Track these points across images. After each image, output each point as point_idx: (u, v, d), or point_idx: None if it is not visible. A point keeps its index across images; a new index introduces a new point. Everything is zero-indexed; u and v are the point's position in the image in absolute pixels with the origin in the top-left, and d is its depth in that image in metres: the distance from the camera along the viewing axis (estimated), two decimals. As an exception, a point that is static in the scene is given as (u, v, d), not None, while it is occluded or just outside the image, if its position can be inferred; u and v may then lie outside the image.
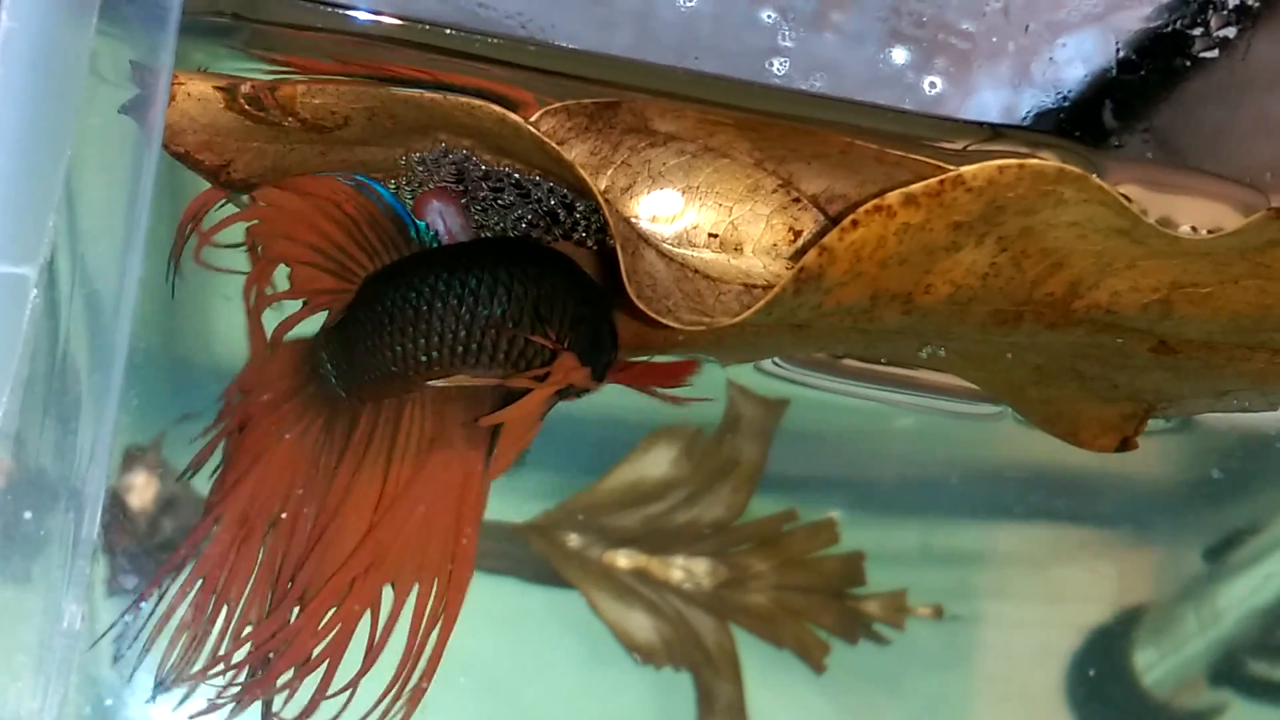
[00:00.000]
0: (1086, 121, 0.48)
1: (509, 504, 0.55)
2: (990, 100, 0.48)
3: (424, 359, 0.44)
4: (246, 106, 0.42)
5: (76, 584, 0.36)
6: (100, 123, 0.38)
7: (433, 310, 0.43)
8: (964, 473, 0.66)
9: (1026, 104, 0.48)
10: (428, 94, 0.41)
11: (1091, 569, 0.68)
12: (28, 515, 0.35)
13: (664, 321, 0.41)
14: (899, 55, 0.48)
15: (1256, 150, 0.48)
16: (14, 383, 0.35)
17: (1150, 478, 0.68)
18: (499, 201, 0.45)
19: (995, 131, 0.47)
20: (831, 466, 0.65)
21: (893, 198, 0.40)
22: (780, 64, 0.47)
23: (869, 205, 0.40)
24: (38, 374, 0.36)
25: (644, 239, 0.43)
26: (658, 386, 0.48)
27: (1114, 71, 0.47)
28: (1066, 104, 0.48)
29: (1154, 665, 0.68)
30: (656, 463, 0.61)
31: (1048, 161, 0.40)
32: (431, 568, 0.44)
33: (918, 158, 0.44)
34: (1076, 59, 0.48)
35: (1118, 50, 0.48)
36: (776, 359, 0.55)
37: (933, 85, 0.48)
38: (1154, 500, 0.68)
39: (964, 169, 0.40)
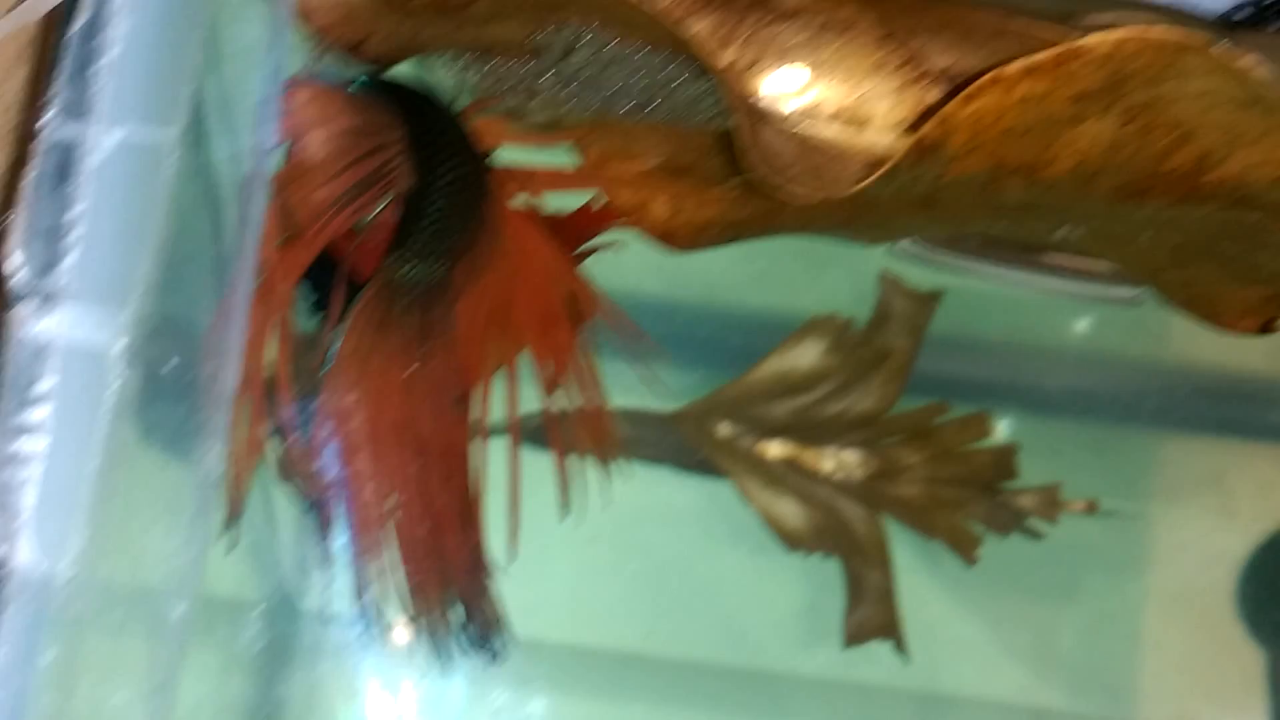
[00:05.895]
0: None
1: (661, 393, 0.56)
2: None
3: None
4: (378, -16, 0.43)
5: (215, 433, 0.39)
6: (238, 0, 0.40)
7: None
8: (1134, 373, 0.65)
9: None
10: (553, -31, 0.42)
11: (1266, 477, 0.67)
12: (169, 365, 0.38)
13: (778, 194, 0.42)
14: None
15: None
16: (155, 241, 0.37)
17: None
18: (631, 82, 0.46)
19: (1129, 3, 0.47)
20: (987, 361, 0.64)
21: (1012, 69, 0.40)
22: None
23: (988, 77, 0.40)
24: (178, 233, 0.38)
25: (763, 113, 0.44)
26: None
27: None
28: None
29: (1327, 575, 0.66)
30: (806, 354, 0.61)
31: (1170, 31, 0.40)
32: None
33: (1042, 29, 0.44)
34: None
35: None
36: (910, 240, 0.55)
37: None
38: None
39: (1085, 39, 0.40)
